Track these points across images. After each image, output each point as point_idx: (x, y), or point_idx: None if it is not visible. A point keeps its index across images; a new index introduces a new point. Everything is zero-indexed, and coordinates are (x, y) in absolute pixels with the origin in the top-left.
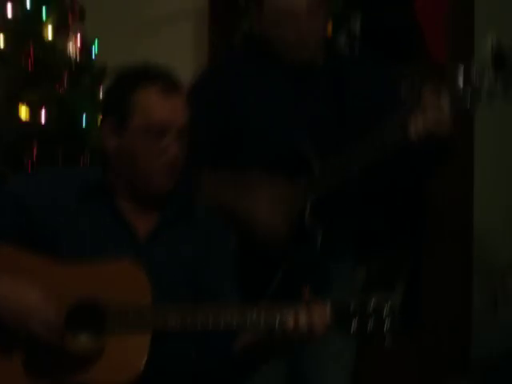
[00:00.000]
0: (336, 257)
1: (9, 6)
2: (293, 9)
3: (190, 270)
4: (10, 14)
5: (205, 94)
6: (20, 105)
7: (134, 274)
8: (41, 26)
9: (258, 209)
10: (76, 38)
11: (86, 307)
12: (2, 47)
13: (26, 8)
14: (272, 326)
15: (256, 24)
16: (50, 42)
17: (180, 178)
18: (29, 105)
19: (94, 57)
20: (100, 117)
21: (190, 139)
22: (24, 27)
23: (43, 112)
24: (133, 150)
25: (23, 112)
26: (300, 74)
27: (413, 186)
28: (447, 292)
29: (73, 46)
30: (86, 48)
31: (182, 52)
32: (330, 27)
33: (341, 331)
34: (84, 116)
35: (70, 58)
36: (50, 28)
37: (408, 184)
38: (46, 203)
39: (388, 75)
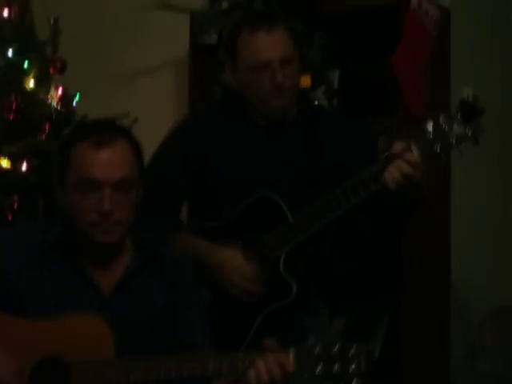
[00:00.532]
0: (311, 311)
1: None
2: (268, 57)
3: (158, 320)
4: None
5: (181, 142)
6: (0, 156)
7: (96, 329)
8: (22, 77)
9: (231, 281)
10: (57, 89)
11: (50, 364)
12: None
13: (8, 58)
14: (234, 374)
15: (231, 75)
16: (31, 92)
17: (138, 228)
18: (10, 156)
19: (74, 107)
20: None
21: (146, 188)
22: (6, 77)
23: (24, 163)
24: (71, 205)
25: (4, 163)
26: (273, 127)
27: (389, 235)
28: (425, 342)
29: (54, 97)
30: (66, 99)
31: (162, 103)
32: (308, 80)
33: (307, 376)
34: None
35: (51, 108)
36: (31, 79)
37: (384, 232)
38: (6, 266)
39: (362, 130)
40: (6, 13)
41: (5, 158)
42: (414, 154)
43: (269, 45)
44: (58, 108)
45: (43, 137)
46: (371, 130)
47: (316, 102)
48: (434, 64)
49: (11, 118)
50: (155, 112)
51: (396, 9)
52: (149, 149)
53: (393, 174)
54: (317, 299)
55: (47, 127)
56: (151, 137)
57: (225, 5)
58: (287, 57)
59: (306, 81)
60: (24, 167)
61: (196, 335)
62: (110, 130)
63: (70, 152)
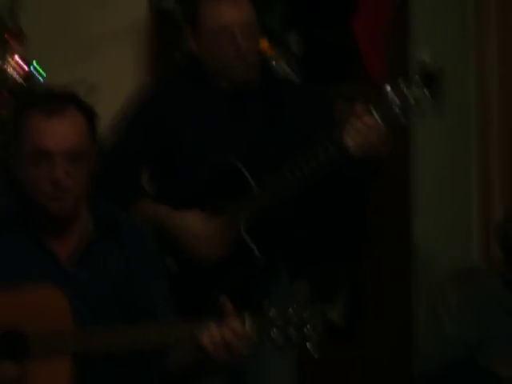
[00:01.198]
0: (272, 276)
1: None
2: (230, 21)
3: (119, 290)
4: None
5: (143, 109)
6: None
7: (54, 299)
8: None
9: (193, 242)
10: (14, 58)
11: (7, 335)
12: None
13: None
14: (191, 341)
15: (192, 44)
16: None
17: (96, 198)
18: None
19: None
20: None
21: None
22: None
23: None
24: (24, 176)
25: None
26: (236, 94)
27: (350, 199)
28: (388, 305)
29: (13, 68)
30: (24, 69)
31: (122, 69)
32: (267, 44)
33: (263, 342)
34: None
35: (11, 79)
36: None
37: (345, 196)
38: None
39: (324, 98)
40: None
41: None
42: (374, 117)
43: (231, 11)
44: (17, 77)
45: (4, 109)
46: (332, 96)
47: (276, 67)
48: (394, 29)
49: None
50: (116, 79)
51: None
52: (109, 117)
53: (353, 136)
54: (279, 265)
55: (5, 97)
56: (112, 104)
57: None
58: (249, 21)
59: (263, 44)
60: None
61: (158, 303)
62: (61, 99)
63: (21, 123)
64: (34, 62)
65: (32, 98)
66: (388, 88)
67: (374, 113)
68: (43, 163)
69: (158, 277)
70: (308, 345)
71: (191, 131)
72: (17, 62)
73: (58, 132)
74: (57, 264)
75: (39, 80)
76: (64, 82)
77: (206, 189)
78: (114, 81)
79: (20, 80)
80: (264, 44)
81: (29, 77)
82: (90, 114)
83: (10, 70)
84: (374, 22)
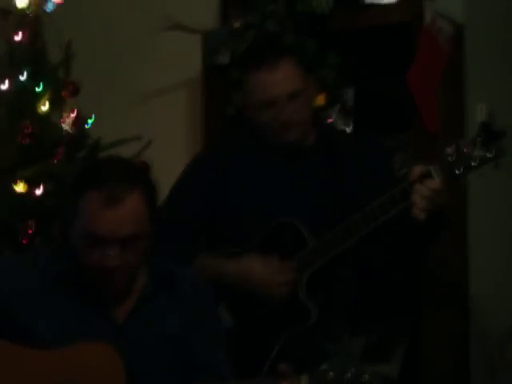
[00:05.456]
0: (331, 335)
1: (3, 81)
2: (272, 95)
3: (173, 346)
4: (5, 88)
5: (199, 173)
6: (17, 180)
7: (107, 357)
8: (35, 101)
9: (253, 268)
10: (70, 112)
11: None
12: None
13: (21, 82)
14: None
15: (245, 111)
16: (44, 116)
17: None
18: (25, 180)
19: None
20: None
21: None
22: (19, 102)
23: (39, 187)
24: (78, 249)
25: (19, 188)
26: (293, 152)
27: (409, 258)
28: (445, 362)
29: (67, 121)
30: (79, 122)
31: (175, 124)
32: (323, 99)
33: None
34: None
35: (64, 132)
36: (44, 102)
37: (404, 255)
38: (17, 291)
39: (382, 153)
40: (18, 37)
41: (20, 182)
42: (437, 181)
43: (272, 82)
44: (72, 132)
45: (57, 161)
46: (387, 148)
47: (331, 121)
48: (448, 80)
49: (25, 142)
50: (169, 134)
51: (409, 26)
52: (162, 172)
53: (418, 202)
54: (337, 324)
55: (61, 151)
56: (165, 159)
57: (237, 24)
58: (293, 91)
59: (320, 99)
60: (39, 191)
61: (214, 360)
62: (124, 182)
63: (79, 199)
64: (90, 119)
65: (93, 173)
66: (450, 150)
67: (436, 174)
68: (96, 248)
69: (216, 334)
70: None
71: (246, 192)
72: (72, 119)
73: (115, 222)
74: (110, 320)
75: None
76: (118, 137)
77: (263, 247)
78: (167, 136)
79: (74, 134)
80: (320, 99)
81: (83, 132)
82: (151, 194)
83: (66, 126)
84: (429, 73)
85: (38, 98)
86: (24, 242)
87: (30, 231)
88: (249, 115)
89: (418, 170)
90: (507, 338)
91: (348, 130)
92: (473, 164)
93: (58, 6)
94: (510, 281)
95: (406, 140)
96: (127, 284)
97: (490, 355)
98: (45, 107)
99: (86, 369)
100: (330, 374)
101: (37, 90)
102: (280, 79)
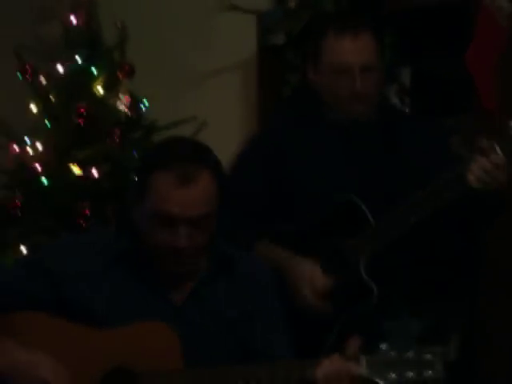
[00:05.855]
0: (391, 313)
1: (58, 64)
2: (350, 62)
3: (232, 330)
4: (61, 71)
5: (257, 153)
6: (72, 163)
7: (165, 337)
8: (91, 83)
9: (300, 294)
10: (125, 95)
11: (116, 372)
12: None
13: (77, 64)
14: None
15: (310, 75)
16: (100, 97)
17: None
18: (80, 162)
19: (143, 113)
20: None
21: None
22: (75, 83)
23: (94, 169)
24: (145, 228)
25: (75, 170)
26: (352, 129)
27: (469, 239)
28: (503, 346)
29: (122, 103)
30: (135, 104)
31: (230, 106)
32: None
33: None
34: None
35: (120, 114)
36: (100, 84)
37: (467, 235)
38: (77, 271)
39: (441, 132)
40: (73, 20)
41: (75, 164)
42: (499, 156)
43: (352, 50)
44: (127, 113)
45: (113, 142)
46: (447, 127)
47: (388, 102)
48: (507, 60)
49: (81, 123)
50: (224, 115)
51: (468, 4)
52: (218, 152)
53: (479, 175)
54: (397, 301)
55: (117, 132)
56: (220, 140)
57: (292, 4)
58: (369, 64)
59: None
60: (94, 173)
61: (273, 345)
62: (195, 161)
63: (149, 179)
64: (145, 100)
65: (163, 153)
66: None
67: (499, 150)
68: (167, 227)
69: (276, 319)
70: None
71: (309, 168)
72: (128, 100)
73: (187, 201)
74: (168, 301)
75: (148, 117)
76: (173, 119)
77: (324, 225)
78: (222, 117)
79: (130, 116)
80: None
81: (139, 113)
82: (221, 176)
83: (121, 106)
84: (488, 52)
85: (93, 79)
86: (80, 222)
87: (86, 212)
88: (317, 81)
89: (481, 143)
90: None
91: (405, 111)
92: None
93: None
94: None
95: (465, 122)
96: (194, 264)
97: None
98: (100, 89)
99: (144, 348)
100: (391, 353)
101: (92, 71)
102: (360, 49)
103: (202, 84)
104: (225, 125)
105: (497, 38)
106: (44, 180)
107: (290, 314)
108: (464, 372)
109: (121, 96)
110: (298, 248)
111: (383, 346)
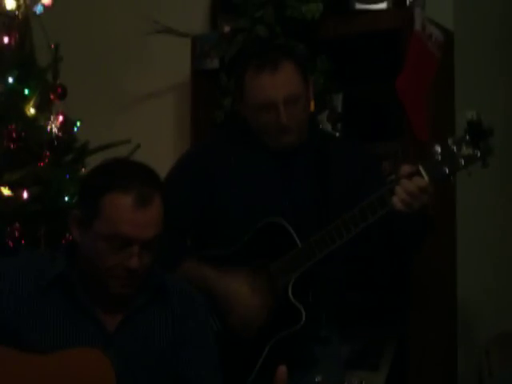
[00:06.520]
0: (321, 338)
1: None
2: (272, 98)
3: (164, 358)
4: None
5: (187, 172)
6: (1, 185)
7: (98, 364)
8: (23, 104)
9: (233, 314)
10: (57, 116)
11: None
12: None
13: (9, 85)
14: None
15: (238, 107)
16: (32, 119)
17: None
18: (11, 184)
19: (75, 134)
20: None
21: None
22: (6, 104)
23: (25, 191)
24: (92, 250)
25: (5, 191)
26: (282, 152)
27: (397, 262)
28: (432, 368)
29: (54, 124)
30: (67, 126)
31: (163, 129)
32: (312, 104)
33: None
34: (65, 195)
35: (51, 135)
36: (32, 105)
37: (394, 255)
38: (8, 294)
39: (370, 157)
40: (6, 40)
41: (5, 186)
42: (424, 178)
43: (273, 85)
44: (59, 135)
45: (44, 164)
46: (376, 155)
47: (320, 127)
48: (438, 87)
49: (12, 146)
50: (157, 137)
51: (399, 32)
52: None
53: (400, 195)
54: (326, 326)
55: (48, 154)
56: (153, 163)
57: (226, 29)
58: (293, 96)
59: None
60: (25, 195)
61: (203, 374)
62: (150, 184)
63: (102, 201)
64: (78, 122)
65: (116, 176)
66: (438, 148)
67: (424, 174)
68: (119, 248)
69: (207, 348)
70: None
71: (236, 189)
72: (60, 122)
73: (145, 223)
74: (101, 328)
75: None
76: (106, 141)
77: (251, 247)
78: (156, 140)
79: (62, 138)
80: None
81: (71, 135)
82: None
83: (52, 127)
84: (418, 79)
85: (25, 101)
86: (10, 245)
87: (16, 234)
88: (245, 115)
89: (406, 168)
90: (493, 344)
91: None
92: (460, 163)
93: (47, 8)
94: (498, 285)
95: (396, 148)
96: (138, 286)
97: (478, 361)
98: (32, 110)
99: (76, 374)
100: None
101: (24, 92)
102: (281, 82)
103: (135, 106)
104: (158, 148)
105: (428, 65)
106: None
107: (220, 336)
108: None
109: (53, 118)
110: (225, 270)
111: (318, 379)
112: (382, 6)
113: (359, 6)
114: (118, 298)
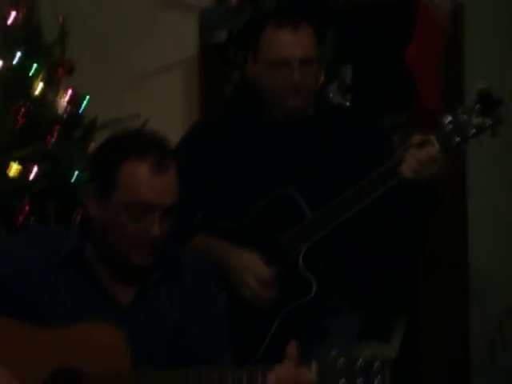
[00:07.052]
0: (332, 309)
1: None
2: (289, 55)
3: (176, 333)
4: (0, 66)
5: (195, 145)
6: (10, 162)
7: (112, 339)
8: (31, 80)
9: (245, 286)
10: (65, 92)
11: (62, 372)
12: None
13: (16, 61)
14: None
15: (249, 70)
16: (40, 95)
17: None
18: (19, 161)
19: (82, 111)
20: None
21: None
22: (14, 81)
23: (34, 167)
24: (112, 222)
25: (14, 169)
26: (289, 124)
27: (407, 231)
28: (444, 338)
29: (63, 100)
30: (75, 102)
31: (171, 103)
32: (322, 76)
33: None
34: (75, 171)
35: (60, 111)
36: (40, 82)
37: (404, 226)
38: (22, 270)
39: (379, 129)
40: (12, 15)
41: (15, 162)
42: (434, 147)
43: (292, 43)
44: (67, 111)
45: (53, 140)
46: (386, 126)
47: (330, 97)
48: (447, 57)
49: (20, 122)
50: (166, 112)
51: (408, 2)
52: None
53: (410, 162)
54: (337, 297)
55: (57, 130)
56: None
57: (233, 2)
58: (308, 57)
59: None
60: (34, 171)
61: (215, 350)
62: (163, 150)
63: (119, 171)
64: (86, 97)
65: (130, 145)
66: (449, 118)
67: (436, 143)
68: (142, 217)
69: (219, 324)
70: None
71: (243, 161)
72: (68, 98)
73: (164, 189)
74: (114, 303)
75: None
76: (115, 116)
77: (261, 219)
78: (164, 115)
79: (70, 114)
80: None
81: (80, 111)
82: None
83: (61, 103)
84: (428, 50)
85: (33, 77)
86: (20, 221)
87: (25, 210)
88: (255, 74)
89: (417, 137)
90: (506, 316)
91: (346, 107)
92: (471, 132)
93: None
94: (511, 256)
95: (405, 119)
96: (156, 256)
97: (491, 333)
98: (40, 87)
99: (90, 348)
100: (340, 361)
101: (32, 68)
102: (300, 41)
103: (144, 81)
104: (167, 122)
105: (436, 35)
106: None
107: (231, 309)
108: (407, 369)
109: (61, 93)
110: (235, 242)
111: (333, 352)
112: None
113: None
114: (139, 268)
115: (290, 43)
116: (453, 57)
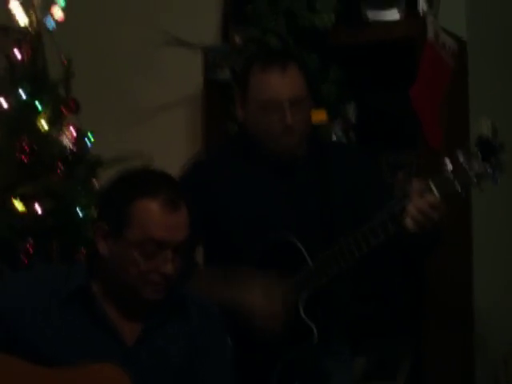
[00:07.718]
0: (333, 352)
1: (1, 98)
2: (278, 97)
3: (181, 372)
4: (4, 105)
5: (190, 188)
6: (14, 198)
7: (116, 379)
8: (35, 118)
9: (252, 300)
10: (70, 129)
11: None
12: None
13: (21, 100)
14: None
15: (240, 113)
16: (44, 133)
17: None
18: (23, 198)
19: (88, 147)
20: (95, 211)
21: None
22: (18, 119)
23: (38, 205)
24: (124, 260)
25: (18, 205)
26: (284, 165)
27: (410, 271)
28: (449, 379)
29: (67, 137)
30: (79, 139)
31: (175, 140)
32: (324, 114)
33: None
34: (78, 208)
35: (64, 149)
36: (44, 119)
37: (404, 270)
38: (26, 308)
39: (372, 164)
40: (18, 54)
41: (18, 200)
42: (434, 195)
43: (280, 84)
44: (71, 148)
45: (56, 177)
46: (390, 164)
47: (333, 137)
48: (452, 96)
49: (24, 159)
50: (169, 149)
51: (412, 41)
52: None
53: (412, 214)
54: (338, 341)
55: (60, 167)
56: None
57: (238, 40)
58: (298, 96)
59: (322, 115)
60: (38, 209)
61: None
62: (174, 187)
63: (131, 208)
64: (90, 135)
65: (141, 183)
66: (449, 165)
67: (435, 189)
68: (154, 254)
69: (224, 365)
70: None
71: (239, 203)
72: (72, 134)
73: (176, 226)
74: (120, 342)
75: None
76: (118, 154)
77: (259, 264)
78: (168, 152)
79: (74, 151)
80: (322, 114)
81: (84, 148)
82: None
83: (65, 140)
84: (432, 90)
85: (37, 115)
86: (24, 259)
87: (29, 249)
88: (246, 117)
89: (417, 184)
90: (511, 355)
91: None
92: (471, 181)
93: (59, 23)
94: None
95: (410, 158)
96: (167, 293)
97: (495, 371)
98: (45, 124)
99: None
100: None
101: (37, 106)
102: (289, 82)
103: (147, 119)
104: (170, 160)
105: (441, 75)
106: None
107: (236, 349)
108: None
109: (65, 131)
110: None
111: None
112: (395, 15)
113: (372, 15)
114: (151, 303)
115: (279, 84)
116: (457, 96)
